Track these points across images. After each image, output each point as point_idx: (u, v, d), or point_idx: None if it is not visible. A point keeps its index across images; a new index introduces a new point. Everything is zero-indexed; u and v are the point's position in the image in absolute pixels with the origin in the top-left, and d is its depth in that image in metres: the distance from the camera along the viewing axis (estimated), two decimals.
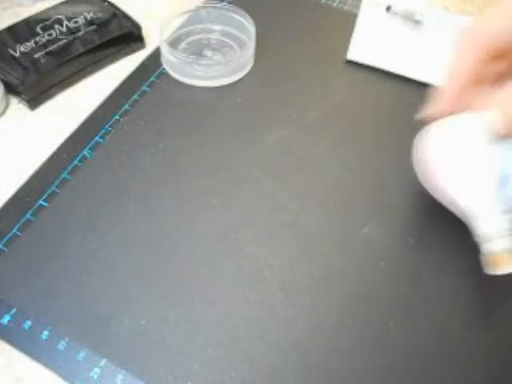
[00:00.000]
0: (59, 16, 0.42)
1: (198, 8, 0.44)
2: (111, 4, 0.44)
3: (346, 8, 0.48)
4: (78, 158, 0.35)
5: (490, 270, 0.27)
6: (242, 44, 0.43)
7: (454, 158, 0.29)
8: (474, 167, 0.28)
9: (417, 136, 0.32)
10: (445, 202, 0.30)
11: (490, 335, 0.28)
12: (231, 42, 0.43)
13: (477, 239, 0.28)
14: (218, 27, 0.44)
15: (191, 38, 0.44)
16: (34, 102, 0.39)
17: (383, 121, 0.39)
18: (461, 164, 0.29)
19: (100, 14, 0.42)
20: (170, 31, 0.43)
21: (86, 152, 0.36)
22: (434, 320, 0.29)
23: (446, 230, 0.32)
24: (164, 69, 0.41)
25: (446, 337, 0.28)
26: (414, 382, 0.27)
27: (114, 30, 0.42)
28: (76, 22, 0.42)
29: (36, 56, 0.39)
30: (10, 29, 0.41)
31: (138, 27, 0.43)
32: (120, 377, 0.26)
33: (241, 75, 0.41)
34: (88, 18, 0.42)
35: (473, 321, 0.29)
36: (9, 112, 0.39)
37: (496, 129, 0.27)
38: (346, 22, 0.46)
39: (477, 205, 0.28)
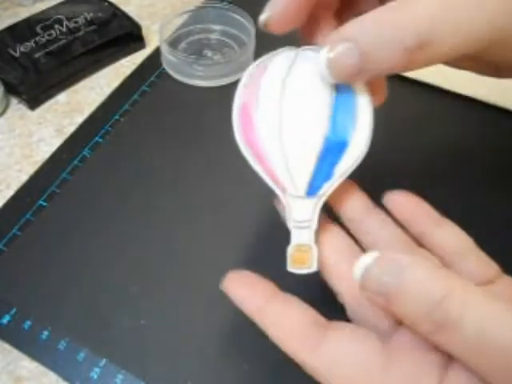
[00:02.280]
0: (59, 16, 0.42)
1: (198, 8, 0.44)
2: (111, 4, 0.44)
3: None
4: (78, 158, 0.35)
5: (290, 267, 0.21)
6: (241, 44, 0.43)
7: (273, 108, 0.22)
8: (295, 128, 0.21)
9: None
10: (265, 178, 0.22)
11: None
12: (231, 42, 0.43)
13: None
14: (217, 27, 0.44)
15: (191, 38, 0.44)
16: (34, 101, 0.39)
17: (381, 118, 0.39)
18: (282, 120, 0.21)
19: (100, 14, 0.42)
20: (169, 31, 0.43)
21: (85, 152, 0.36)
22: None
23: None
24: (164, 69, 0.41)
25: None
26: None
27: (113, 30, 0.42)
28: (76, 22, 0.42)
29: (36, 56, 0.39)
30: (10, 29, 0.41)
31: (138, 27, 0.43)
32: (120, 377, 0.26)
33: (241, 75, 0.41)
34: (88, 18, 0.42)
35: None
36: (9, 112, 0.39)
37: (325, 72, 0.20)
38: None
39: (284, 179, 0.21)
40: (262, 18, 0.23)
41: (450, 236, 0.21)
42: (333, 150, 0.21)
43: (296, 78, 0.22)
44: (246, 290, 0.20)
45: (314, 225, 0.21)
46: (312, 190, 0.21)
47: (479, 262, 0.21)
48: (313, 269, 0.21)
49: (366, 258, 0.18)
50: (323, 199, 0.21)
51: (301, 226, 0.21)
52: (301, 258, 0.21)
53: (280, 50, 0.23)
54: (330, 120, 0.21)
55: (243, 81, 0.23)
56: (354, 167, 0.22)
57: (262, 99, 0.22)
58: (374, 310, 0.20)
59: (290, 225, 0.21)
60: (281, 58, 0.23)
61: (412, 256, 0.18)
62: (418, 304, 0.16)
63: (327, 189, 0.21)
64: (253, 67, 0.23)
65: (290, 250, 0.21)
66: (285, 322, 0.19)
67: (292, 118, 0.22)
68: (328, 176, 0.21)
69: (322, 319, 0.20)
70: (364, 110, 0.22)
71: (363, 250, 0.22)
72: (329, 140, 0.21)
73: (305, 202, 0.21)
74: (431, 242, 0.21)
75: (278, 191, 0.21)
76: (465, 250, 0.21)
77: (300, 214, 0.21)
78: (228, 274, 0.21)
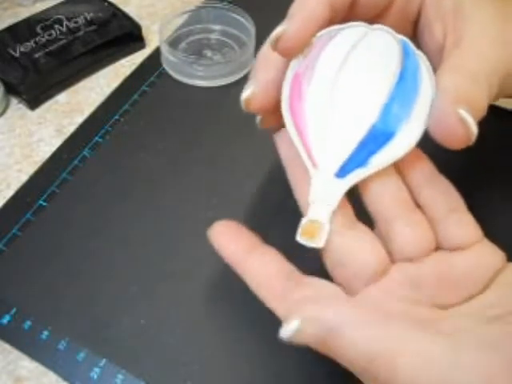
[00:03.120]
0: (59, 16, 0.42)
1: (198, 8, 0.44)
2: (111, 4, 0.44)
3: None
4: (78, 158, 0.35)
5: (299, 238, 0.21)
6: (241, 44, 0.43)
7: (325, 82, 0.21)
8: (344, 109, 0.21)
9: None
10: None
11: None
12: (231, 42, 0.43)
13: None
14: (217, 27, 0.44)
15: (191, 38, 0.44)
16: (34, 102, 0.39)
17: None
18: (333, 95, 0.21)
19: (100, 14, 0.42)
20: (169, 31, 0.43)
21: (85, 152, 0.36)
22: None
23: None
24: (164, 69, 0.41)
25: None
26: None
27: (113, 30, 0.42)
28: (76, 22, 0.42)
29: (36, 56, 0.39)
30: (10, 29, 0.41)
31: (138, 27, 0.43)
32: (120, 377, 0.26)
33: (241, 75, 0.41)
34: (88, 18, 0.42)
35: None
36: (9, 112, 0.39)
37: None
38: None
39: (317, 155, 0.21)
40: (244, 94, 0.23)
41: (436, 196, 0.22)
42: (376, 138, 0.21)
43: (359, 57, 0.22)
44: (229, 240, 0.22)
45: (334, 205, 0.21)
46: (342, 173, 0.21)
47: (460, 225, 0.21)
48: (319, 245, 0.21)
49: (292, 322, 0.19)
50: (351, 184, 0.21)
51: (321, 203, 0.21)
52: (311, 232, 0.21)
53: (350, 24, 0.22)
54: (382, 107, 0.21)
55: (304, 51, 0.22)
56: (392, 161, 0.21)
57: (317, 72, 0.22)
58: None
59: (311, 199, 0.21)
60: (349, 33, 0.22)
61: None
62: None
63: (357, 175, 0.21)
64: (316, 38, 0.22)
65: (304, 221, 0.21)
66: (262, 272, 0.21)
67: (343, 99, 0.21)
68: (362, 163, 0.21)
69: (296, 273, 0.21)
70: (424, 105, 0.21)
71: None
72: (375, 128, 0.21)
73: (332, 182, 0.21)
74: (419, 199, 0.22)
75: (308, 165, 0.21)
76: (447, 212, 0.21)
77: (324, 192, 0.21)
78: (214, 224, 0.22)
